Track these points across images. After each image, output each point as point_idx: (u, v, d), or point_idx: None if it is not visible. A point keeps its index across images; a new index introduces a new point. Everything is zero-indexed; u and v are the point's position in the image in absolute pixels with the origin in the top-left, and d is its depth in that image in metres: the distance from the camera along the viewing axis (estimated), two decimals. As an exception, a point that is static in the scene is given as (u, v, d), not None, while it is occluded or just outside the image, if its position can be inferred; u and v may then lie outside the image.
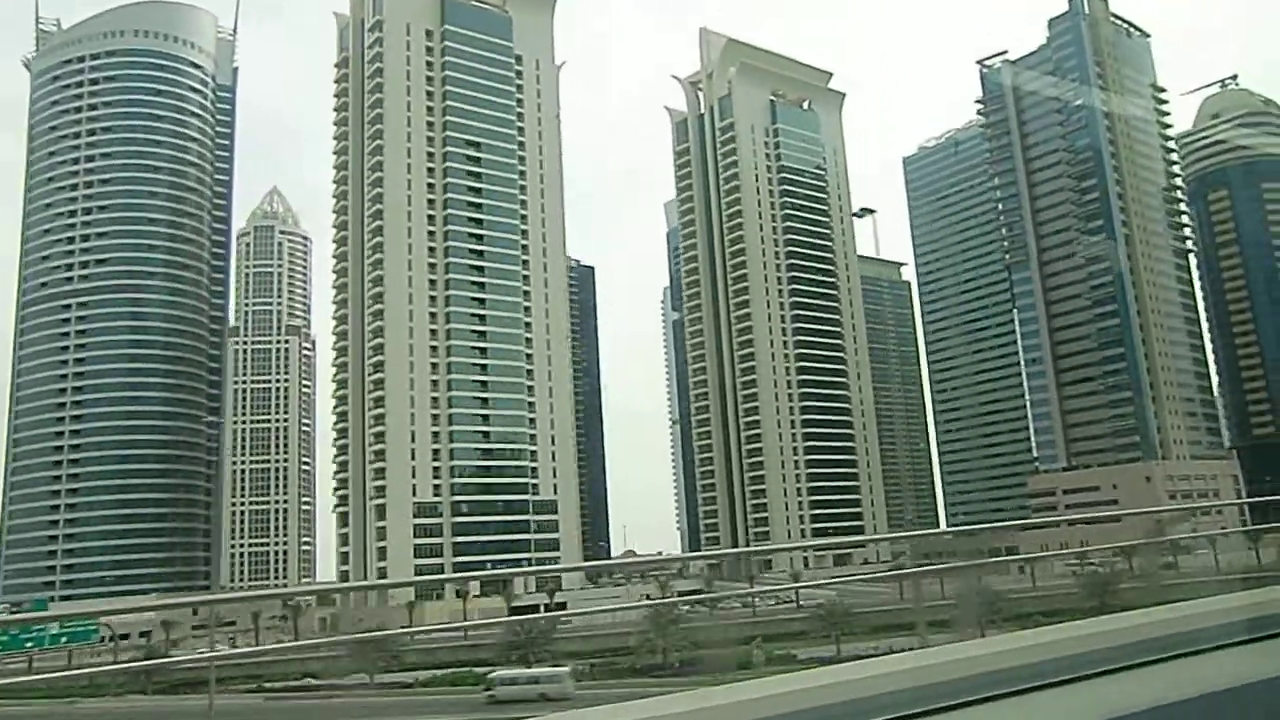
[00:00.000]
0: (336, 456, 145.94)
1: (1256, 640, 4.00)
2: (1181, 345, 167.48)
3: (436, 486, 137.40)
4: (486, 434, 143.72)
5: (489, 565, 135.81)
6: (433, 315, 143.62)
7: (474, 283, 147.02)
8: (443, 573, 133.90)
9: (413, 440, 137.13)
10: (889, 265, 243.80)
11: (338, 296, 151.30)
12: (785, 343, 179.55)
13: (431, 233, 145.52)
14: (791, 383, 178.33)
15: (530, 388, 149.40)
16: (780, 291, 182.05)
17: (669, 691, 3.34)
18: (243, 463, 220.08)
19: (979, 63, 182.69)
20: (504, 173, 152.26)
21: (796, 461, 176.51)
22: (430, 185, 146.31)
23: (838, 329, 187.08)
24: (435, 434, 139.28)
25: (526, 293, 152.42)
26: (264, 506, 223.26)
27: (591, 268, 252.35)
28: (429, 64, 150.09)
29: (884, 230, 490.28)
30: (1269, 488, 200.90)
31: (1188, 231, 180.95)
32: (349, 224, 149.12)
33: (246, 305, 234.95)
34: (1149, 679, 3.62)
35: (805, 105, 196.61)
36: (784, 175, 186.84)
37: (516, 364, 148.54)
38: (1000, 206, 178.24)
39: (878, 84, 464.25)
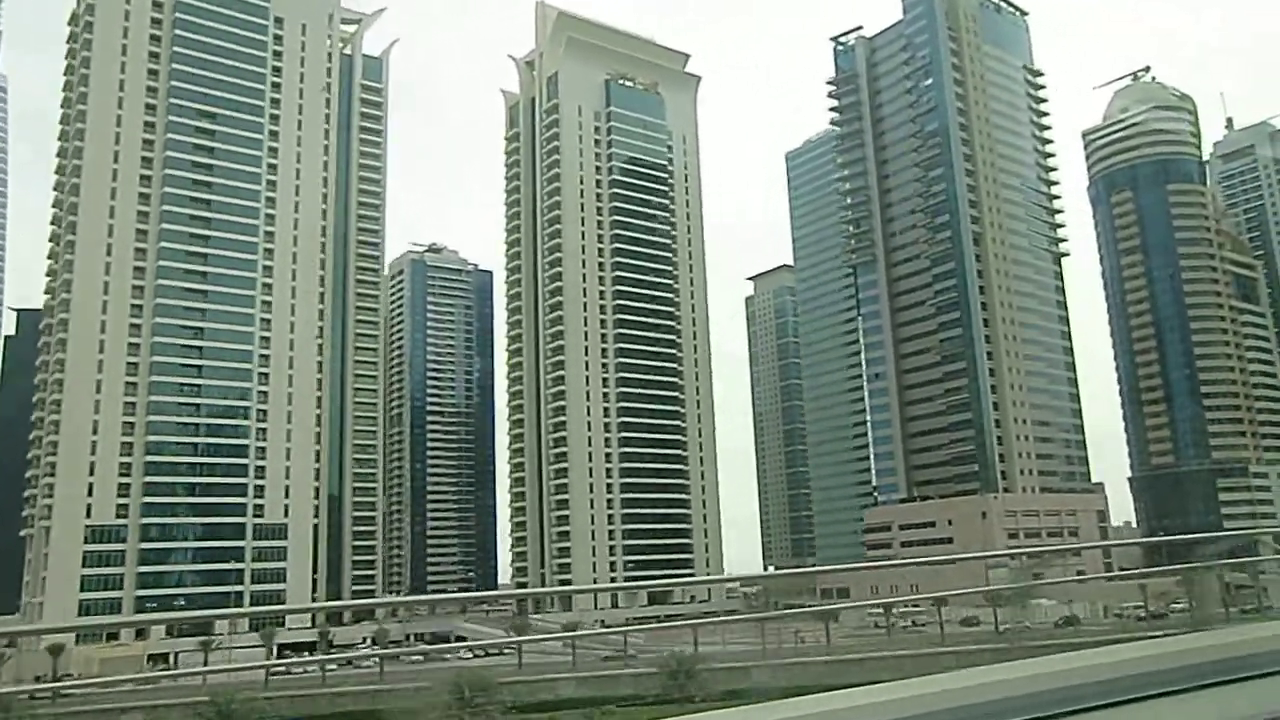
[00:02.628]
0: None
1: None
2: (1040, 361, 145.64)
3: (122, 506, 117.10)
4: (195, 446, 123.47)
5: (180, 603, 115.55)
6: (138, 288, 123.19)
7: (194, 254, 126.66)
8: (114, 611, 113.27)
9: (93, 451, 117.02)
10: (781, 272, 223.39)
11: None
12: (605, 364, 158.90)
13: (144, 212, 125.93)
14: (610, 410, 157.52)
15: (264, 393, 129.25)
16: (602, 294, 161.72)
17: None
18: None
19: (833, 40, 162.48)
20: (241, 147, 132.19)
21: (610, 486, 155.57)
22: (147, 160, 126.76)
23: (673, 337, 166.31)
24: (127, 444, 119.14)
25: (268, 285, 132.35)
26: None
27: (422, 261, 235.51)
28: (156, 21, 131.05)
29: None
30: (1167, 521, 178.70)
31: (1061, 234, 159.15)
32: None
33: None
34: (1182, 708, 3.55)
35: (652, 89, 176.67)
36: (617, 166, 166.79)
37: (244, 366, 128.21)
38: (849, 200, 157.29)
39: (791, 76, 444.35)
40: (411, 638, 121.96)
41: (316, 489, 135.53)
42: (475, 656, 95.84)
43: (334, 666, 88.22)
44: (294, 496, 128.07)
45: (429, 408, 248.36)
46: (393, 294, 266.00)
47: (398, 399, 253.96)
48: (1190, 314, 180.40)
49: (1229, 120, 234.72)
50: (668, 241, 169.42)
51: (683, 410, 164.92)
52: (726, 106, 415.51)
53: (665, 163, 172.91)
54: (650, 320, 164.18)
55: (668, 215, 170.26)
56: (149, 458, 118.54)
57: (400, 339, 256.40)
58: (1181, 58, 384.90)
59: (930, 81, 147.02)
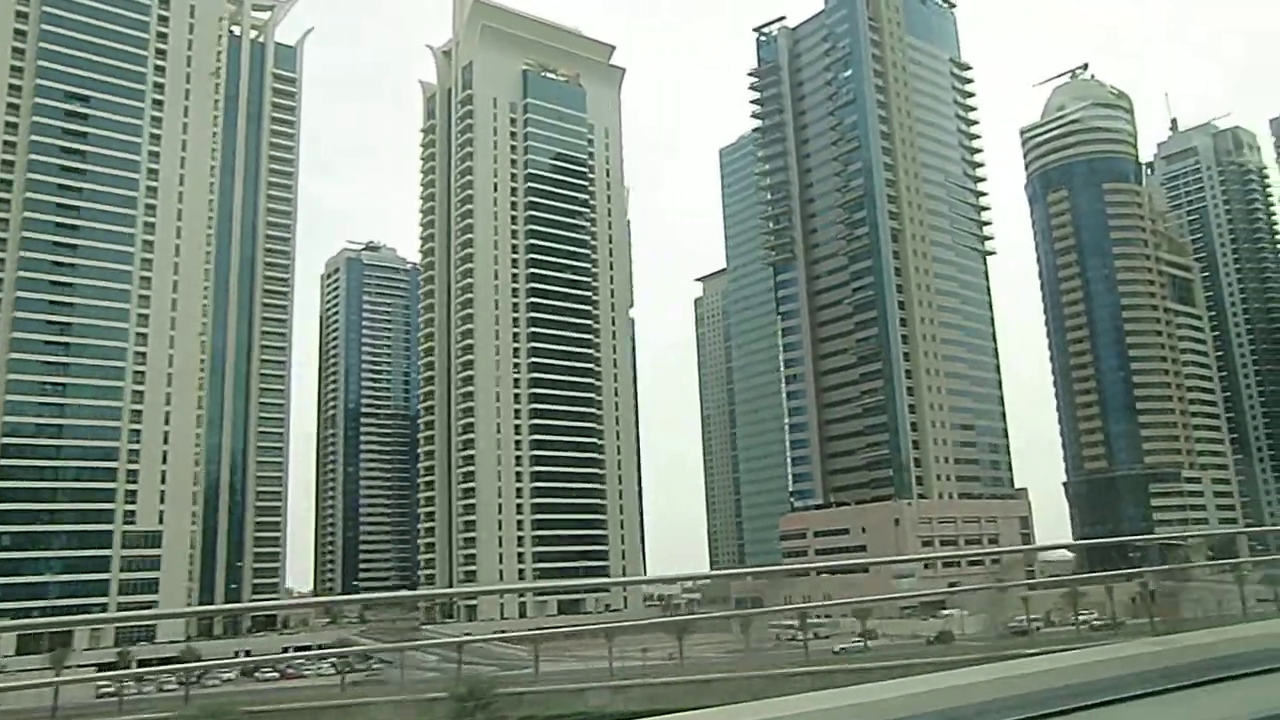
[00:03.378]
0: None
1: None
2: (962, 362, 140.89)
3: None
4: (58, 449, 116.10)
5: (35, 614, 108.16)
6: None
7: (62, 244, 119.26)
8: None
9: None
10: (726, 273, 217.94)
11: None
12: (517, 363, 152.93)
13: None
14: (521, 411, 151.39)
15: (139, 393, 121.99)
16: (515, 290, 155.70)
17: None
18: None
19: (755, 31, 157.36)
20: (117, 133, 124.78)
21: (520, 490, 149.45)
22: (9, 144, 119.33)
23: (591, 337, 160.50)
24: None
25: (146, 279, 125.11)
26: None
27: (358, 260, 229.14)
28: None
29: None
30: (1100, 527, 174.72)
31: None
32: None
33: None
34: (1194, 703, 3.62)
35: (573, 80, 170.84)
36: (534, 159, 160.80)
37: (116, 364, 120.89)
38: (769, 196, 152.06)
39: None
40: (291, 651, 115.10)
41: (198, 494, 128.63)
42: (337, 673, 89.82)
43: (175, 686, 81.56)
44: (170, 502, 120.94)
45: (363, 409, 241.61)
46: (329, 293, 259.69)
47: (332, 400, 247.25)
48: (1125, 316, 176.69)
49: (1173, 121, 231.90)
50: (586, 238, 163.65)
51: (600, 412, 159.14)
52: (681, 100, 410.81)
53: (585, 156, 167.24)
54: (566, 319, 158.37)
55: (587, 210, 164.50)
56: (4, 461, 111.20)
57: (335, 339, 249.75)
58: (1128, 55, 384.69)
59: (850, 73, 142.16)
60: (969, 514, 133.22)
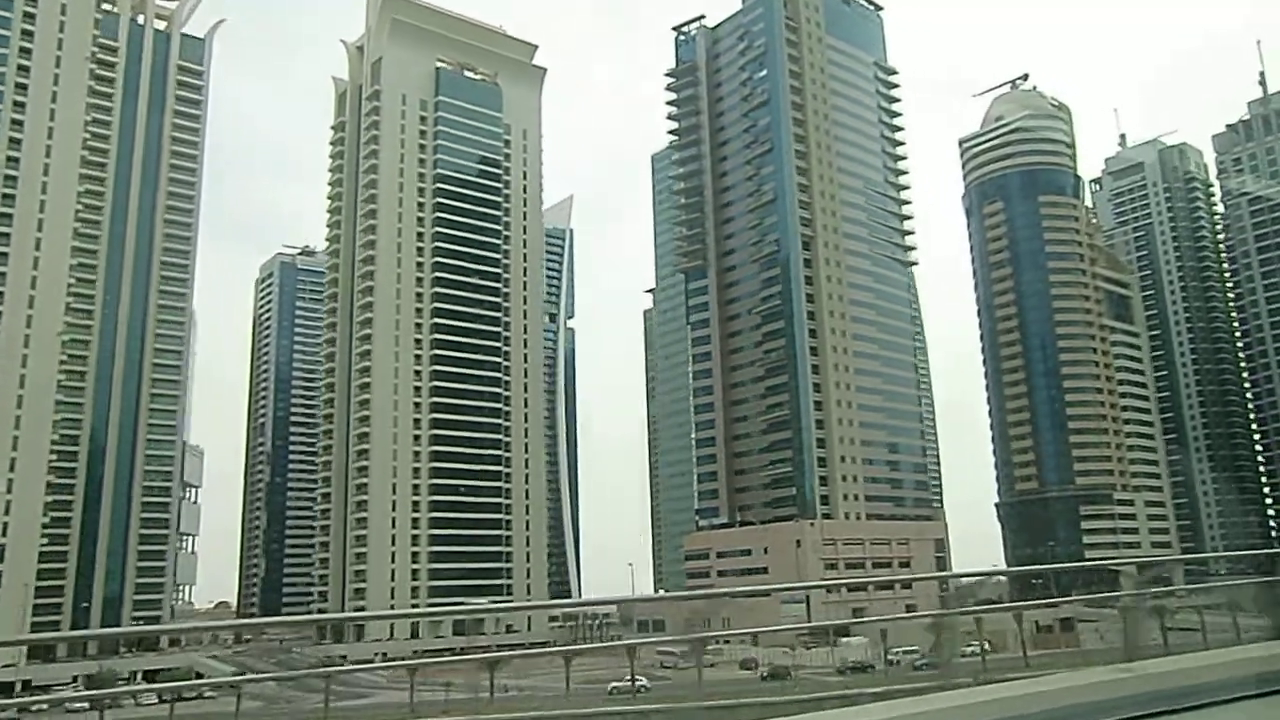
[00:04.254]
0: None
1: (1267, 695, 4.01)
2: (877, 377, 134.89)
3: None
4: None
5: None
6: None
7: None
8: None
9: None
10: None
11: None
12: (419, 370, 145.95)
13: None
14: (421, 421, 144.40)
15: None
16: (419, 295, 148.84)
17: None
18: None
19: (674, 30, 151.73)
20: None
21: (417, 504, 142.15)
22: None
23: (500, 344, 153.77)
24: None
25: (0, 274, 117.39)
26: None
27: (292, 264, 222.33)
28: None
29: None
30: (1030, 549, 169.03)
31: (910, 240, 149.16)
32: None
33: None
34: None
35: (490, 79, 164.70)
36: (444, 159, 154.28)
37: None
38: (683, 200, 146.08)
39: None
40: (138, 675, 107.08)
41: (50, 505, 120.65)
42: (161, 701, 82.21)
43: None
44: (14, 515, 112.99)
45: (293, 417, 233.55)
46: (263, 298, 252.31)
47: (262, 408, 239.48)
48: (1058, 332, 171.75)
49: (1122, 136, 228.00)
50: (498, 242, 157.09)
51: (508, 424, 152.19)
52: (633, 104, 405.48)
53: (501, 158, 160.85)
54: (473, 326, 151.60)
55: (500, 214, 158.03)
56: None
57: (267, 346, 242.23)
58: (1081, 70, 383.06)
59: (764, 73, 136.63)
60: (878, 535, 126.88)
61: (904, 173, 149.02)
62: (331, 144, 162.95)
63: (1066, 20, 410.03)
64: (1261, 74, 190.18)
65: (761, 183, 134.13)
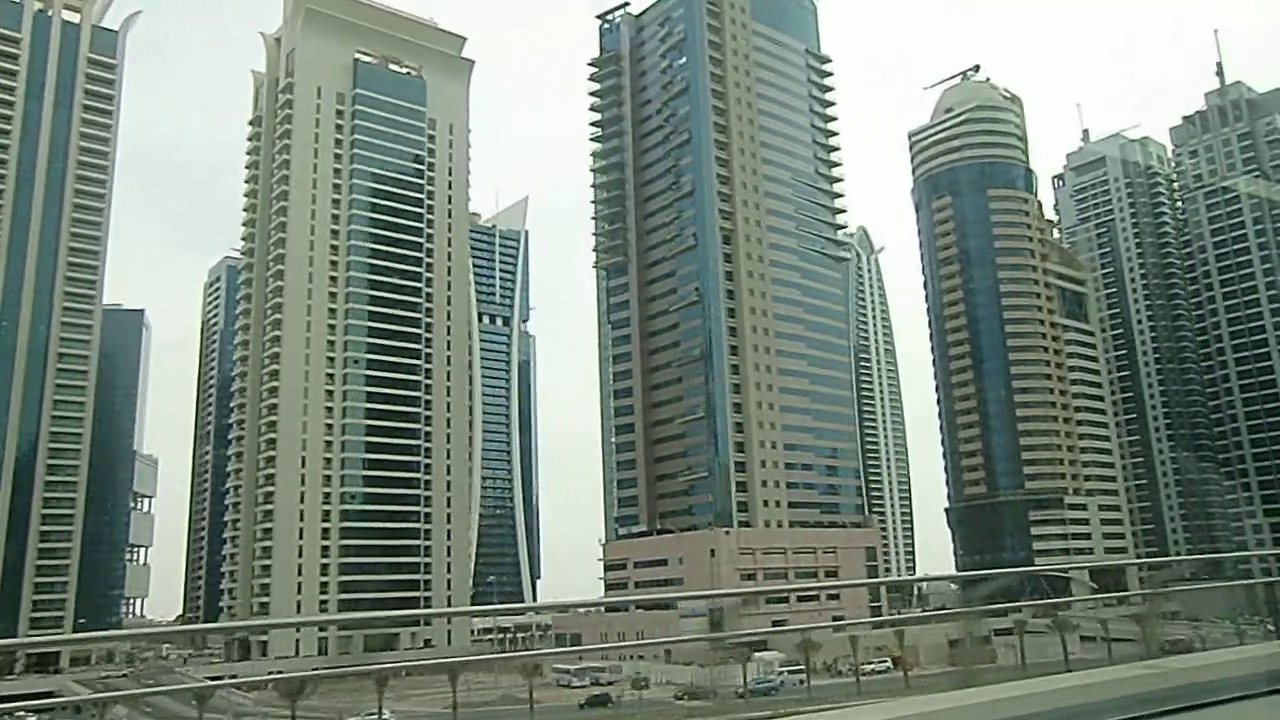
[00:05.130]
0: None
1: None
2: (803, 377, 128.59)
3: None
4: None
5: None
6: None
7: None
8: None
9: None
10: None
11: None
12: (331, 374, 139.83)
13: None
14: (334, 427, 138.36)
15: None
16: (334, 295, 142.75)
17: None
18: None
19: (599, 18, 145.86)
20: None
21: (328, 513, 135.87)
22: None
23: (420, 347, 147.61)
24: None
25: None
26: None
27: (236, 269, 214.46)
28: None
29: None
30: (979, 556, 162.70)
31: (843, 236, 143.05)
32: None
33: None
34: None
35: (415, 72, 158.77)
36: (361, 155, 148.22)
37: None
38: (604, 194, 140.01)
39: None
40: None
41: None
42: None
43: None
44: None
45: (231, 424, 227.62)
46: (210, 303, 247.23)
47: (207, 416, 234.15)
48: (1008, 330, 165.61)
49: (1085, 132, 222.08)
50: (420, 240, 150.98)
51: (428, 429, 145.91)
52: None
53: (424, 153, 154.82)
54: (393, 327, 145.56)
55: (421, 211, 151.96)
56: None
57: (214, 351, 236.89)
58: (1046, 64, 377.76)
59: (684, 60, 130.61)
60: (802, 544, 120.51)
61: (838, 164, 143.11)
62: (249, 140, 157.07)
63: (1034, 12, 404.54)
64: (1219, 64, 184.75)
65: (680, 174, 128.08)
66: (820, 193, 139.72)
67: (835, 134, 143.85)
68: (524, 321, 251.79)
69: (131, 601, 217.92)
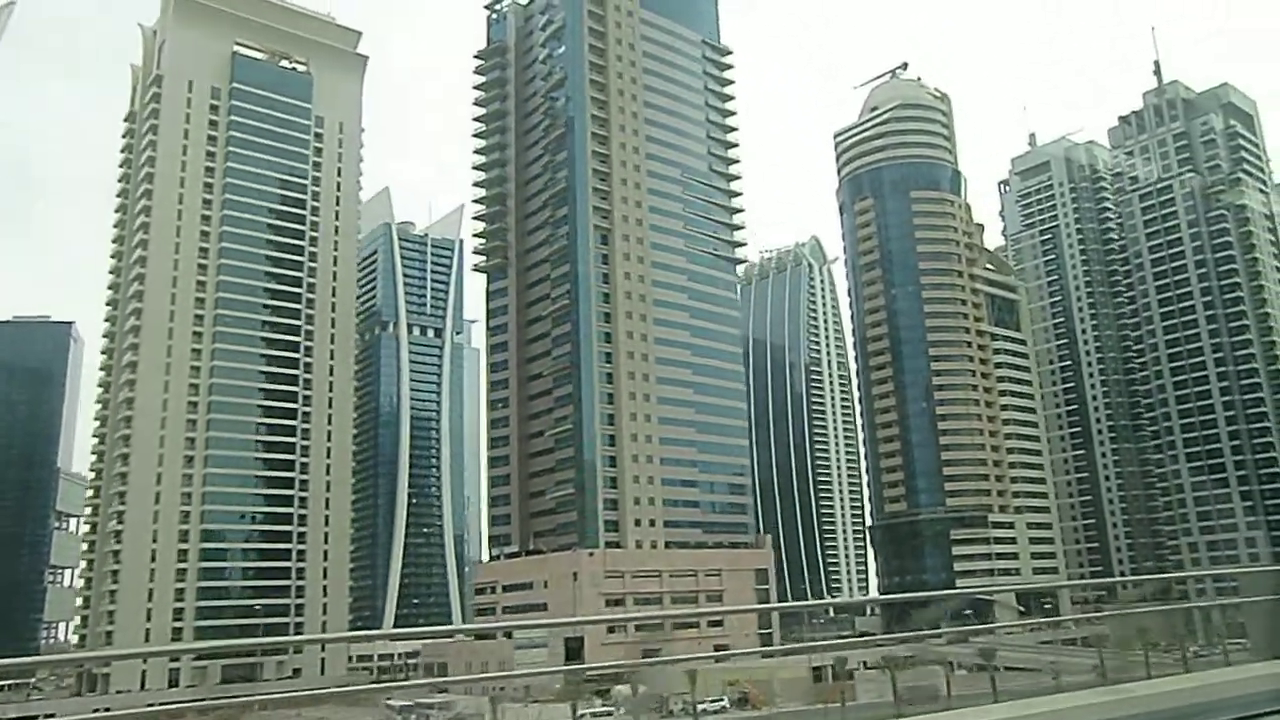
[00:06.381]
0: None
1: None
2: (687, 387, 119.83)
3: None
4: None
5: None
6: None
7: None
8: None
9: None
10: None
11: None
12: (195, 384, 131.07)
13: None
14: (196, 440, 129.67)
15: None
16: (201, 301, 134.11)
17: None
18: None
19: (486, 8, 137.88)
20: None
21: (186, 533, 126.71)
22: None
23: (296, 355, 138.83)
24: None
25: None
26: None
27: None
28: None
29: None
30: (900, 577, 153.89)
31: (740, 236, 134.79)
32: None
33: None
34: None
35: (305, 67, 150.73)
36: (237, 151, 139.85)
37: None
38: (485, 191, 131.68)
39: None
40: None
41: None
42: None
43: None
44: None
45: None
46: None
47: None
48: (931, 339, 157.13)
49: (1031, 136, 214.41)
50: (302, 244, 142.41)
51: (305, 443, 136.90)
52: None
53: (308, 151, 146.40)
54: (268, 336, 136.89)
55: (303, 212, 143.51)
56: None
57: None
58: (1001, 68, 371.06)
59: (563, 49, 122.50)
60: (680, 566, 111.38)
61: (735, 161, 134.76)
62: (123, 137, 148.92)
63: (985, 14, 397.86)
64: (1156, 63, 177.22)
65: (555, 170, 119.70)
66: (715, 191, 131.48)
67: (734, 129, 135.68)
68: (458, 333, 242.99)
69: (53, 626, 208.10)
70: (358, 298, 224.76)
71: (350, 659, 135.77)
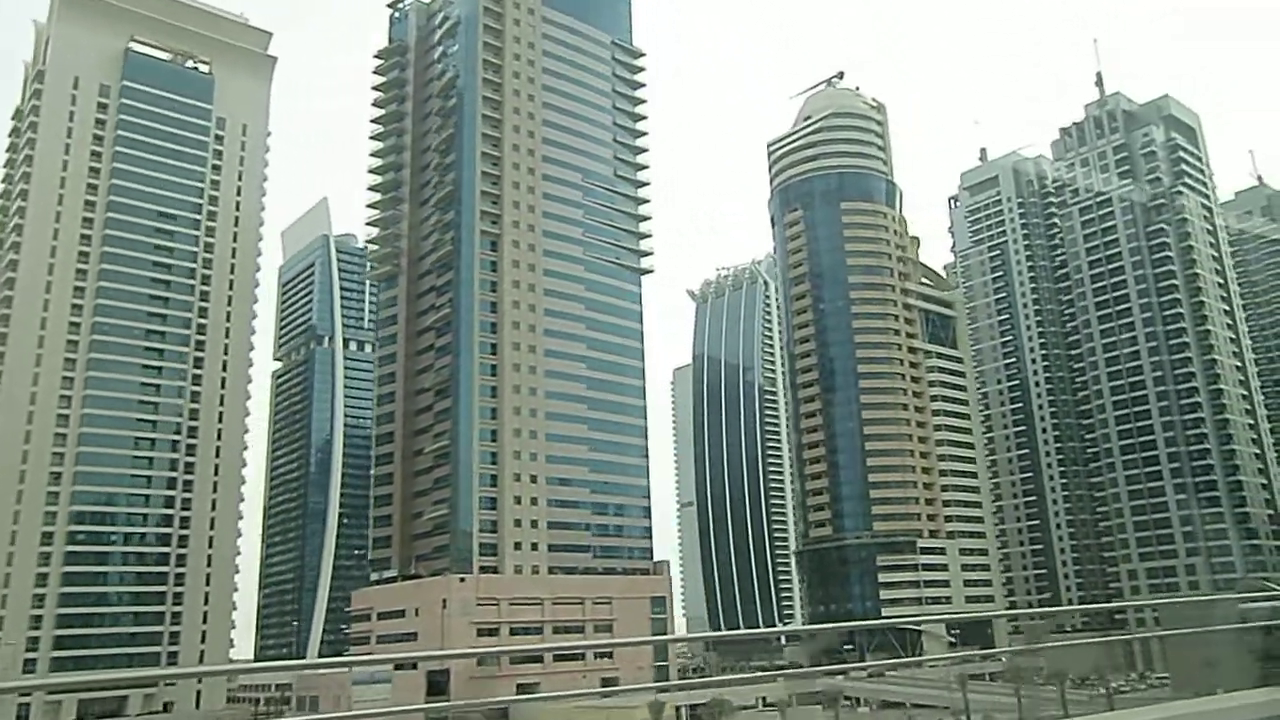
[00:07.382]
0: None
1: None
2: (581, 402, 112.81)
3: None
4: None
5: None
6: None
7: None
8: None
9: None
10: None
11: None
12: (67, 396, 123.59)
13: None
14: (65, 456, 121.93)
15: None
16: (78, 307, 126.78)
17: None
18: None
19: (389, 6, 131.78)
20: None
21: (47, 555, 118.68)
22: None
23: (185, 368, 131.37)
24: None
25: None
26: None
27: None
28: None
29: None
30: (824, 606, 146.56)
31: (638, 241, 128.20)
32: None
33: None
34: None
35: (205, 66, 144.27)
36: (126, 153, 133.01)
37: None
38: (380, 195, 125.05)
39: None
40: None
41: None
42: None
43: None
44: None
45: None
46: None
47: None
48: (859, 356, 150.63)
49: (982, 151, 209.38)
50: (195, 250, 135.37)
51: (190, 460, 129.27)
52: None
53: (208, 154, 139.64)
54: (155, 346, 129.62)
55: (198, 217, 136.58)
56: None
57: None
58: (961, 82, 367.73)
59: (456, 47, 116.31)
60: (565, 594, 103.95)
61: (644, 167, 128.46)
62: (9, 136, 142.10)
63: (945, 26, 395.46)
64: (1099, 74, 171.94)
65: (444, 173, 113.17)
66: (621, 198, 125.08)
67: (644, 134, 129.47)
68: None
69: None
70: (292, 313, 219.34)
71: (227, 692, 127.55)
